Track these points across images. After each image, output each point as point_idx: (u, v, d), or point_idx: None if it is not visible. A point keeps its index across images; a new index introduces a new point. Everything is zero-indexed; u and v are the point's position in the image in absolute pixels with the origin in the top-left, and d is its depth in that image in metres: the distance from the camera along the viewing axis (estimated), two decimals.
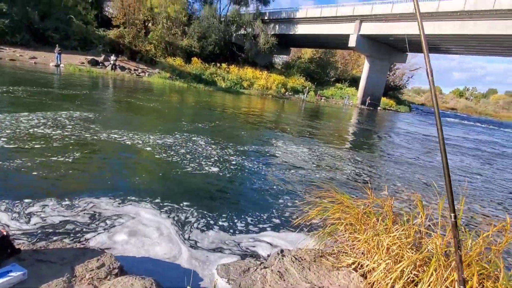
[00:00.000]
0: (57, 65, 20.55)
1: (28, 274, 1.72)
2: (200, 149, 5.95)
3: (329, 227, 2.43)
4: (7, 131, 5.17)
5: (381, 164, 7.19)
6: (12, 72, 14.53)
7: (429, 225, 2.20)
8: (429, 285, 1.76)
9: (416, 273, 1.90)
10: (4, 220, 2.72)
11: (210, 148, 6.10)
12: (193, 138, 6.70)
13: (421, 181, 5.99)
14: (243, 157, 5.82)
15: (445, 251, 1.89)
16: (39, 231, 2.64)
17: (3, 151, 4.32)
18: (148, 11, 27.60)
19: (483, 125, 33.64)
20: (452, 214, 1.58)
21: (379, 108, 33.23)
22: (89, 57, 23.42)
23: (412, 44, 30.88)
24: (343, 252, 2.34)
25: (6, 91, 9.05)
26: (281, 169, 5.49)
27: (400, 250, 1.94)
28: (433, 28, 24.48)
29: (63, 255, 1.97)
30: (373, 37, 29.48)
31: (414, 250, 2.00)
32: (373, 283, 2.02)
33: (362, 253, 2.27)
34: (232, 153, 6.00)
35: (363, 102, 31.95)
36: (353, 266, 2.27)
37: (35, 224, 2.73)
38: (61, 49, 21.06)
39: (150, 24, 28.78)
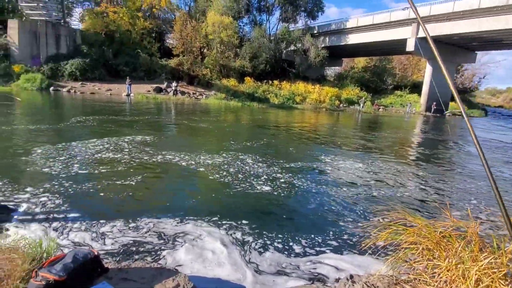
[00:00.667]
0: (128, 95, 23.05)
1: None
2: (249, 168, 6.00)
3: (403, 251, 2.25)
4: (78, 158, 5.88)
5: (452, 180, 6.41)
6: (91, 104, 16.69)
7: None
8: None
9: None
10: (86, 240, 3.05)
11: (259, 167, 6.13)
12: (244, 157, 6.81)
13: (504, 199, 5.22)
14: (295, 175, 5.72)
15: None
16: (117, 251, 2.90)
17: (75, 175, 4.90)
18: (204, 38, 29.65)
19: None
20: None
21: (447, 114, 30.32)
22: (154, 85, 25.85)
23: (481, 41, 27.98)
24: (422, 280, 2.13)
25: (79, 121, 10.36)
26: (336, 187, 5.25)
27: (492, 282, 1.71)
28: (505, 22, 21.91)
29: (143, 274, 2.14)
30: (434, 38, 27.37)
31: (509, 281, 1.74)
32: None
33: (445, 282, 2.04)
34: (283, 171, 5.95)
35: (427, 109, 29.54)
36: None
37: (112, 244, 3.00)
38: (131, 80, 23.66)
39: (205, 50, 30.82)
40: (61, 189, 4.28)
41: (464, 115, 1.71)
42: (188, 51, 29.50)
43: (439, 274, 2.06)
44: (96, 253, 2.10)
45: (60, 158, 5.74)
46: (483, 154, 1.56)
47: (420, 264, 2.20)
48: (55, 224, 3.30)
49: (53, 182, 4.49)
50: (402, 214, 2.36)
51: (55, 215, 3.52)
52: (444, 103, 30.34)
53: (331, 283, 2.58)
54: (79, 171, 5.12)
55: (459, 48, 30.71)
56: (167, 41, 35.24)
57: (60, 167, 5.24)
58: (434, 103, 29.35)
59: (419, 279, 2.20)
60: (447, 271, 1.98)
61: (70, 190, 4.27)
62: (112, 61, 27.51)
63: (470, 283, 1.75)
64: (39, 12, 25.57)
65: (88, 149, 6.58)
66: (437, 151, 9.93)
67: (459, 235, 2.07)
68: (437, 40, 27.91)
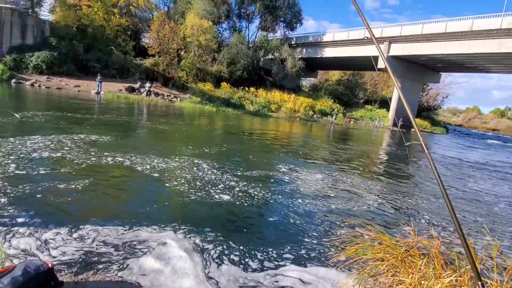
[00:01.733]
0: (98, 93, 22.08)
1: None
2: (214, 176, 5.81)
3: (370, 267, 2.28)
4: (12, 157, 5.31)
5: (414, 196, 6.58)
6: (55, 99, 15.76)
7: (484, 270, 1.99)
8: None
9: None
10: (32, 249, 2.78)
11: (216, 174, 6.01)
12: (204, 164, 6.66)
13: (462, 217, 5.51)
14: (259, 186, 5.59)
15: None
16: (73, 262, 2.67)
17: (11, 175, 4.49)
18: (181, 40, 29.21)
19: None
20: (479, 283, 1.48)
21: (412, 130, 31.99)
22: (127, 85, 24.98)
23: (446, 63, 29.99)
24: None
25: (27, 116, 9.47)
26: (296, 199, 5.17)
27: None
28: (468, 47, 23.67)
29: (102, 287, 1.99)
30: (403, 57, 28.98)
31: None
32: None
33: None
34: (248, 181, 5.84)
35: (395, 124, 30.99)
36: None
37: (64, 255, 2.74)
38: (102, 78, 22.70)
39: (182, 52, 30.37)
40: None
41: (422, 142, 1.78)
42: (164, 52, 28.91)
43: None
44: (50, 265, 1.93)
45: None
46: (439, 178, 1.63)
47: (386, 279, 2.24)
48: None
49: None
50: (367, 229, 2.40)
51: None
52: (409, 119, 32.02)
53: None
54: (17, 171, 4.64)
55: (426, 69, 32.70)
56: (143, 40, 34.36)
57: None
58: (401, 118, 30.87)
59: None
60: (411, 287, 2.03)
61: (9, 191, 3.89)
62: (83, 56, 26.25)
63: None
64: None
65: (24, 147, 5.97)
66: (401, 168, 10.33)
67: (422, 253, 2.14)
68: (407, 59, 29.59)
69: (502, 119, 73.81)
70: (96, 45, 27.88)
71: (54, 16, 29.06)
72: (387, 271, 2.24)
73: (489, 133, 55.41)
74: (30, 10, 26.86)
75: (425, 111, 41.18)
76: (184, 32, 28.77)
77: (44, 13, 29.99)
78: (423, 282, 1.93)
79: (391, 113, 31.97)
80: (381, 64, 29.09)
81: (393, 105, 31.83)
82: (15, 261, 2.42)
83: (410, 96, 31.73)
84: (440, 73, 35.41)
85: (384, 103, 36.98)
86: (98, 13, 27.97)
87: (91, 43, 27.84)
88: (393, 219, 4.89)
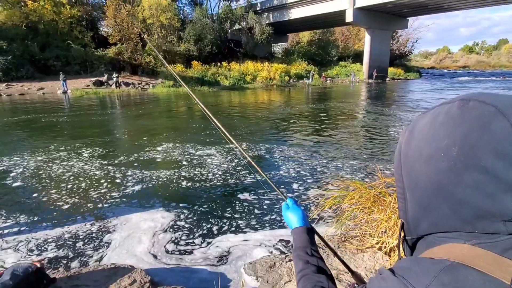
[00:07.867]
0: (65, 92, 21.10)
1: None
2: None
3: (347, 213, 2.44)
4: None
5: (380, 143, 6.91)
6: (20, 106, 15.02)
7: None
8: None
9: None
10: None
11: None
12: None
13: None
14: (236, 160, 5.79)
15: None
16: (58, 258, 2.75)
17: None
18: (142, 23, 27.77)
19: (498, 79, 32.34)
20: None
21: (387, 79, 32.48)
22: (93, 79, 23.90)
23: (412, 7, 29.93)
24: (367, 234, 2.35)
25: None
26: (291, 161, 5.41)
27: None
28: None
29: (96, 277, 2.06)
30: (370, 7, 28.66)
31: None
32: None
33: (385, 232, 2.27)
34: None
35: (370, 76, 31.32)
36: (377, 246, 2.27)
37: (48, 253, 2.84)
38: (65, 76, 21.55)
39: (145, 36, 28.98)
40: None
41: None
42: (126, 38, 27.49)
43: (379, 226, 2.28)
44: (38, 265, 1.97)
45: None
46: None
47: (362, 220, 2.41)
48: None
49: None
50: (342, 181, 2.54)
51: None
52: (383, 69, 32.42)
53: (287, 251, 2.72)
54: None
55: (393, 16, 32.58)
56: (101, 29, 32.42)
57: None
58: (375, 70, 31.18)
59: (364, 233, 2.42)
60: (385, 222, 2.20)
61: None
62: (40, 56, 24.67)
63: None
64: None
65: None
66: (376, 117, 10.63)
67: (392, 190, 2.29)
68: (373, 9, 29.31)
69: (471, 55, 75.67)
70: (51, 41, 26.14)
71: None
72: (363, 213, 2.41)
73: (460, 71, 56.94)
74: None
75: (398, 59, 41.61)
76: (143, 14, 27.30)
77: None
78: (392, 216, 2.09)
79: (365, 66, 32.17)
80: (349, 17, 28.86)
81: (365, 57, 31.96)
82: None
83: (381, 46, 31.82)
84: (407, 18, 35.38)
85: (357, 57, 37.06)
86: (46, 7, 25.93)
87: (46, 40, 26.06)
88: (362, 167, 5.07)
